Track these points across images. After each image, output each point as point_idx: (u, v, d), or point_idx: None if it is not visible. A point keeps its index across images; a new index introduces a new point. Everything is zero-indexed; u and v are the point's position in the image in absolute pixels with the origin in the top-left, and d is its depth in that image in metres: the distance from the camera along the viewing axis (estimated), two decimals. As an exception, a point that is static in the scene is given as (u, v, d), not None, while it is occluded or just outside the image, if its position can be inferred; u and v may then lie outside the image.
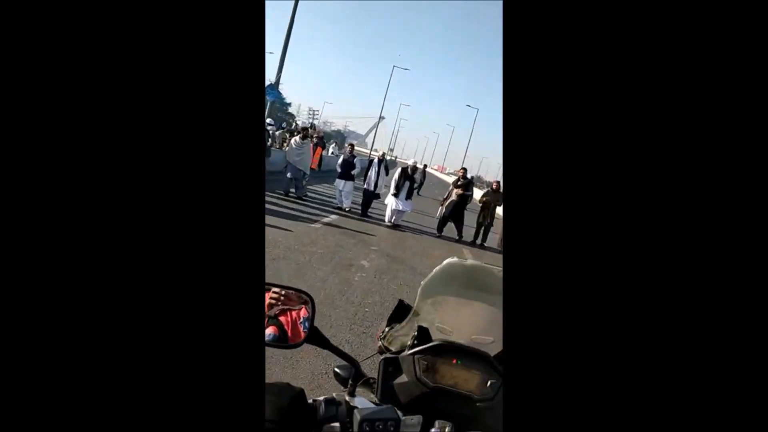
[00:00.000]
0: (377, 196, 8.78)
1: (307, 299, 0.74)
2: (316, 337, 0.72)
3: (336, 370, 0.81)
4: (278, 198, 7.78)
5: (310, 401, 0.63)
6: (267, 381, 0.53)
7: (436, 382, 0.65)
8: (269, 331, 0.71)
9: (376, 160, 8.76)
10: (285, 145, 10.14)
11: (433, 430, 0.60)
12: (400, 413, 0.60)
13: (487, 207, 8.60)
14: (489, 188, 9.23)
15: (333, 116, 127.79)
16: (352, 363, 0.76)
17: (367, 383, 0.75)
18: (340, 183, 8.64)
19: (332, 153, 18.10)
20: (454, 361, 0.65)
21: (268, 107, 12.12)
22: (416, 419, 0.59)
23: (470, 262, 0.87)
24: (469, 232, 8.70)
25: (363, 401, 0.68)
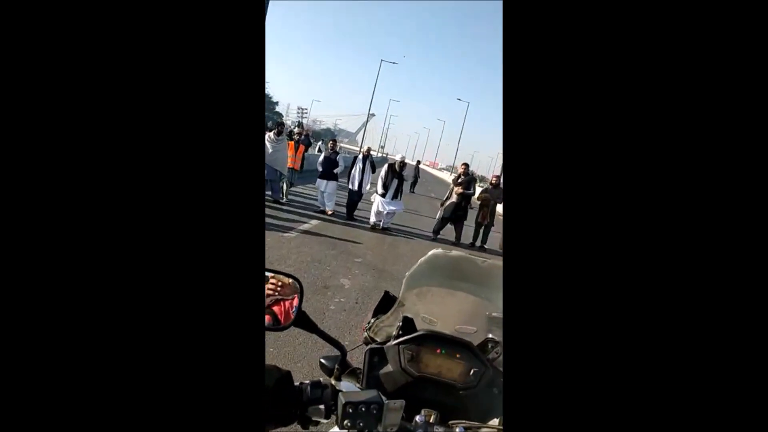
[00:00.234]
0: (361, 197, 7.79)
1: (296, 284, 0.75)
2: (304, 321, 0.72)
3: (322, 360, 0.81)
4: (250, 203, 6.76)
5: (297, 384, 0.64)
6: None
7: (420, 372, 0.67)
8: (268, 321, 0.72)
9: (360, 157, 7.74)
10: (260, 143, 9.04)
11: (418, 417, 0.62)
12: (383, 398, 0.60)
13: (486, 205, 7.63)
14: (488, 184, 8.21)
15: (322, 115, 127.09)
16: (339, 348, 0.76)
17: (353, 373, 0.75)
18: (321, 183, 7.62)
19: (319, 152, 17.07)
20: (438, 351, 0.67)
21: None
22: (399, 403, 0.59)
23: (455, 252, 0.86)
24: (468, 233, 7.76)
25: (349, 386, 0.71)
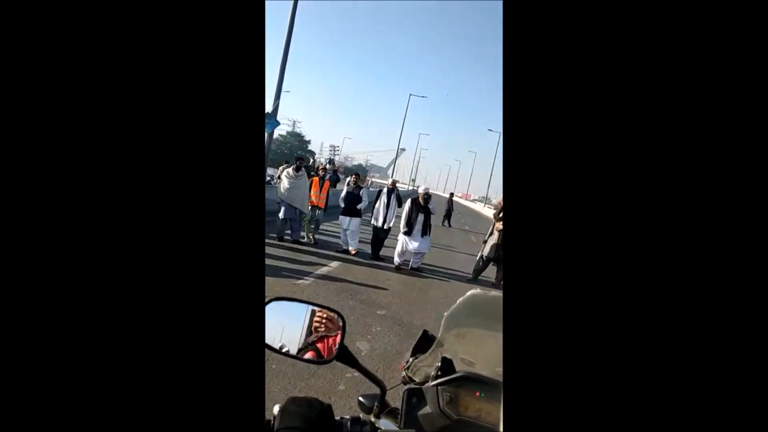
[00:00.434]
0: (387, 234, 7.01)
1: (340, 319, 0.77)
2: (345, 356, 0.73)
3: (360, 399, 0.83)
4: (269, 245, 6.05)
5: (338, 419, 0.66)
6: (296, 395, 0.63)
7: (459, 414, 0.66)
8: (308, 355, 0.75)
9: (385, 190, 7.03)
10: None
11: None
12: None
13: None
14: None
15: (354, 151, 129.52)
16: (380, 386, 0.77)
17: (392, 413, 0.77)
18: (344, 220, 6.93)
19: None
20: (478, 394, 0.66)
21: (267, 138, 10.81)
22: None
23: (494, 293, 0.85)
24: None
25: (387, 424, 0.73)
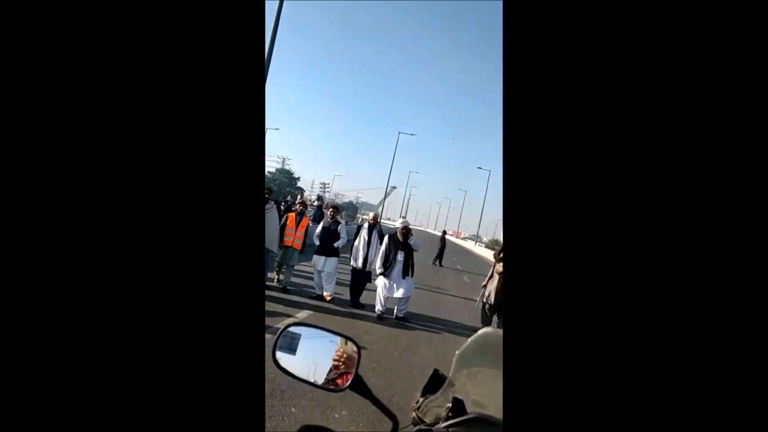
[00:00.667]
0: (369, 277, 6.03)
1: (355, 348, 0.77)
2: (359, 386, 0.74)
3: None
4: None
5: None
6: (307, 424, 0.67)
7: None
8: (330, 385, 0.76)
9: (366, 225, 6.14)
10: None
11: None
12: None
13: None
14: None
15: (344, 189, 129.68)
16: (392, 419, 0.75)
17: None
18: (318, 260, 5.93)
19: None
20: None
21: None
22: None
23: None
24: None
25: None
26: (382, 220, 6.21)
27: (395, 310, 5.67)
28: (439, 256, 15.52)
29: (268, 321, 4.38)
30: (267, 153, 8.09)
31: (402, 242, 5.70)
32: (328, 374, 0.75)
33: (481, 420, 0.62)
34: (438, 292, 8.88)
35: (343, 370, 0.75)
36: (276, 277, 6.31)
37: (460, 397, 0.68)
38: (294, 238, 6.11)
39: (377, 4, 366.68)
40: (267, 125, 8.38)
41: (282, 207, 8.05)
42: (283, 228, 6.07)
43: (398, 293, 5.57)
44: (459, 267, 16.95)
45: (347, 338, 0.78)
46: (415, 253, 5.80)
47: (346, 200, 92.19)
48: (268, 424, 2.46)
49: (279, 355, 0.75)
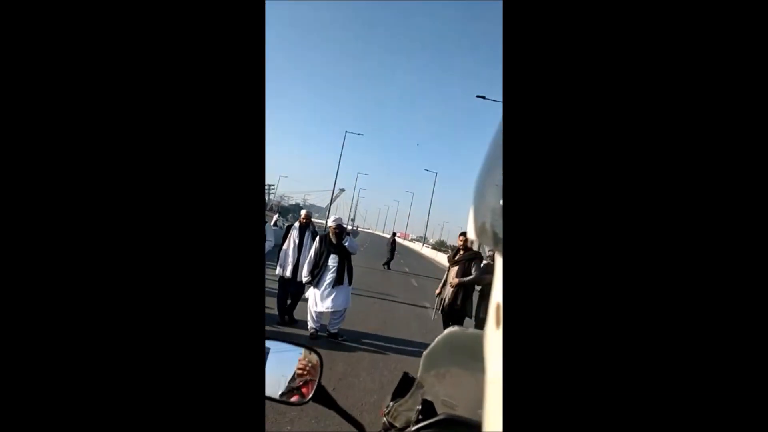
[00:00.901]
0: (301, 288, 5.01)
1: (317, 358, 0.78)
2: (323, 397, 0.74)
3: None
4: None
5: None
6: None
7: None
8: (294, 398, 0.77)
9: (296, 225, 5.11)
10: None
11: None
12: None
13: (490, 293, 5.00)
14: (489, 258, 5.54)
15: (291, 191, 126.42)
16: (358, 427, 0.77)
17: None
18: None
19: (276, 226, 13.81)
20: None
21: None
22: None
23: (472, 330, 0.83)
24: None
25: None
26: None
27: (328, 326, 4.70)
28: (389, 260, 14.75)
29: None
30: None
31: (335, 244, 4.69)
32: (290, 387, 0.75)
33: (451, 421, 0.63)
34: (385, 300, 8.04)
35: (308, 379, 0.76)
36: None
37: (429, 398, 0.68)
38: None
39: None
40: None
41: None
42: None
43: (328, 304, 4.55)
44: (407, 269, 16.29)
45: (310, 349, 0.79)
46: (354, 256, 4.88)
47: (293, 202, 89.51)
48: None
49: None
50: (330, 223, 4.90)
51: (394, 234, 16.41)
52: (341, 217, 5.16)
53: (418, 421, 0.64)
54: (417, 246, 49.20)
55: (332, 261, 4.63)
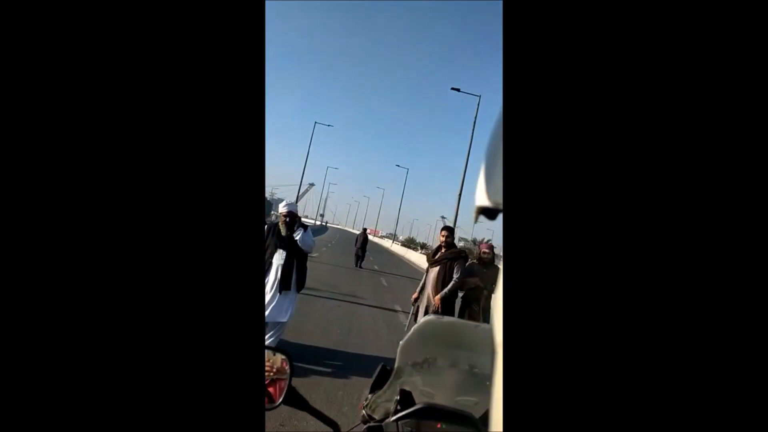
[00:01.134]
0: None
1: (287, 360, 0.75)
2: (294, 399, 0.72)
3: None
4: None
5: None
6: None
7: None
8: None
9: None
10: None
11: None
12: None
13: (476, 299, 4.18)
14: (473, 261, 4.65)
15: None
16: (333, 427, 0.73)
17: None
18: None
19: None
20: (439, 425, 0.64)
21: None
22: None
23: (447, 319, 0.85)
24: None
25: None
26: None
27: (267, 339, 3.68)
28: (361, 257, 13.74)
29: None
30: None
31: (284, 237, 3.63)
32: (270, 399, 0.72)
33: (430, 410, 0.64)
34: (352, 302, 7.12)
35: (275, 381, 0.72)
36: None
37: (407, 388, 0.69)
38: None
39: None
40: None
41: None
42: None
43: (269, 315, 3.48)
44: (377, 267, 15.41)
45: (274, 350, 0.76)
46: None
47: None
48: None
49: None
50: (281, 209, 3.82)
51: (365, 230, 15.33)
52: (296, 204, 4.11)
53: (396, 412, 0.66)
54: (387, 243, 48.48)
55: (278, 258, 3.59)
